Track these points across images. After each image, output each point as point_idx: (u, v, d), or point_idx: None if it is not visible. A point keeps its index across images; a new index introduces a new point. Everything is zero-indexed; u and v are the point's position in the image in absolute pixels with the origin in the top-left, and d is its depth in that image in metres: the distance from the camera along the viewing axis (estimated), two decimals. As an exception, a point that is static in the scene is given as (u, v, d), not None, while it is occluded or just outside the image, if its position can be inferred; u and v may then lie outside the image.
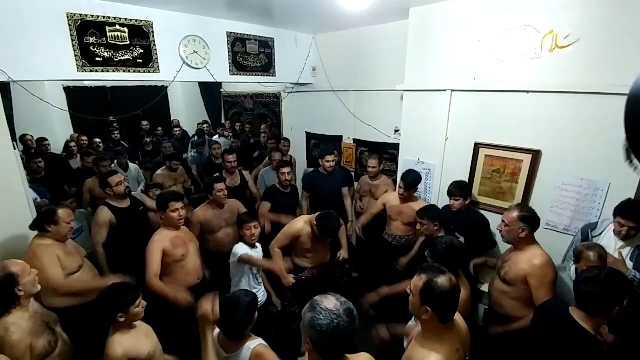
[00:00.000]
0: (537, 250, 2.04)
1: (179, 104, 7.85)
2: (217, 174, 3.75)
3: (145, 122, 6.38)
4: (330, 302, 1.11)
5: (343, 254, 2.93)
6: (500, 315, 2.15)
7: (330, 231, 2.55)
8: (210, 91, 7.15)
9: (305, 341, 1.13)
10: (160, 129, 6.41)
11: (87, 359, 2.00)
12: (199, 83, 7.02)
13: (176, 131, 6.34)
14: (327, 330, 1.06)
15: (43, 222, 2.18)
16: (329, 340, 1.08)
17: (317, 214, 2.61)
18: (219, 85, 6.90)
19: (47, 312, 1.80)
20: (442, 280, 1.32)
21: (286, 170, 3.43)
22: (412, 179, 2.97)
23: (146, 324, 1.85)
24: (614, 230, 2.08)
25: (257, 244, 2.67)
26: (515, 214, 2.04)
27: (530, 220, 2.03)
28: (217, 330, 1.70)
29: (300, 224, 2.69)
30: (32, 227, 2.25)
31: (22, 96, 4.85)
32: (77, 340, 2.00)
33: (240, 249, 2.54)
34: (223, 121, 7.20)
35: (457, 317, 1.48)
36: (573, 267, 2.02)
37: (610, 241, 2.13)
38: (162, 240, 2.42)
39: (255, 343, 1.63)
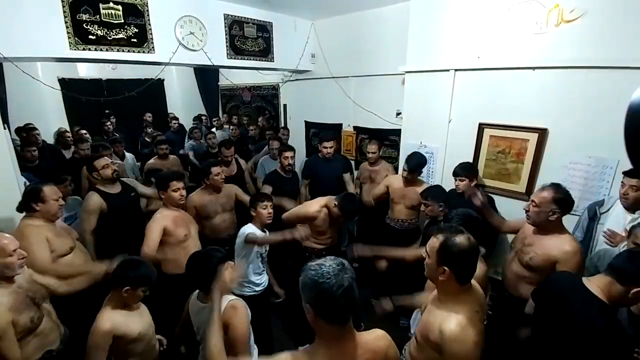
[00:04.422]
0: (567, 236, 1.88)
1: (175, 97, 7.77)
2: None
3: (149, 114, 6.35)
4: (319, 260, 1.08)
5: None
6: (515, 298, 2.02)
7: (353, 213, 2.53)
8: (207, 84, 7.07)
9: (306, 311, 1.05)
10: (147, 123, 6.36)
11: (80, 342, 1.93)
12: (196, 76, 6.96)
13: (174, 124, 6.26)
14: (318, 281, 1.00)
15: (29, 202, 2.07)
16: (324, 294, 0.99)
17: (334, 197, 2.56)
18: (216, 78, 6.83)
19: (34, 288, 1.70)
20: (460, 239, 1.26)
21: (289, 154, 3.37)
22: (416, 162, 2.89)
23: (141, 303, 1.80)
24: (621, 198, 2.04)
25: (265, 229, 2.55)
26: (548, 194, 1.84)
27: (565, 203, 1.83)
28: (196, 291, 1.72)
29: (317, 207, 2.61)
30: (19, 209, 2.14)
31: (18, 88, 4.82)
32: (72, 325, 1.92)
33: (248, 228, 2.44)
34: (221, 115, 7.13)
35: (473, 282, 1.42)
36: (624, 250, 1.87)
37: (618, 217, 2.08)
38: (163, 219, 2.35)
39: (234, 298, 1.63)
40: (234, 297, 1.67)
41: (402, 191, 3.02)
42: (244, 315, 1.58)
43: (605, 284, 1.33)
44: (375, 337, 1.16)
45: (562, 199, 1.83)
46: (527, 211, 1.96)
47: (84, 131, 5.15)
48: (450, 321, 1.25)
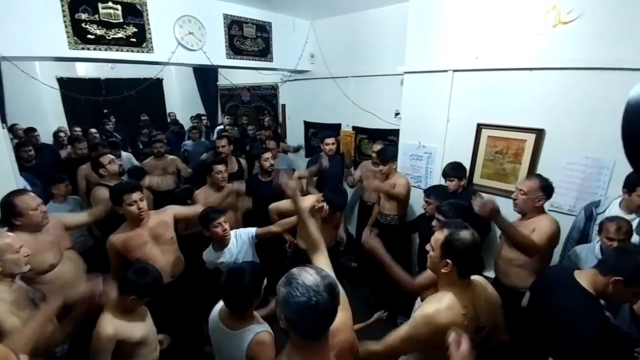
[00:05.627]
0: (548, 216, 2.07)
1: (174, 97, 7.76)
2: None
3: (144, 115, 6.40)
4: (309, 277, 0.96)
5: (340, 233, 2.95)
6: (506, 287, 2.10)
7: (339, 205, 2.51)
8: (206, 84, 7.07)
9: (279, 317, 1.00)
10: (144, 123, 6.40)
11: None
12: (195, 75, 6.95)
13: (174, 128, 6.25)
14: (303, 309, 0.93)
15: (7, 218, 1.90)
16: (306, 320, 0.95)
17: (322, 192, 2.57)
18: (215, 77, 6.83)
19: (32, 288, 1.70)
20: (465, 233, 1.30)
21: (267, 155, 3.21)
22: (386, 155, 3.07)
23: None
24: (620, 204, 2.05)
25: (233, 239, 2.36)
26: (535, 182, 2.06)
27: (549, 189, 2.05)
28: (219, 305, 1.61)
29: (308, 202, 2.58)
30: (1, 224, 1.97)
31: (16, 87, 4.80)
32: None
33: (208, 254, 2.29)
34: (220, 114, 7.14)
35: (484, 283, 1.47)
36: (597, 245, 1.95)
37: (615, 217, 2.10)
38: (115, 243, 2.13)
39: (261, 327, 1.49)
40: (264, 325, 1.53)
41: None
42: (270, 349, 1.45)
43: (591, 275, 1.40)
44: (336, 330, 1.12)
45: (547, 186, 2.06)
46: (515, 199, 2.13)
47: (77, 129, 5.14)
48: (430, 305, 1.32)
